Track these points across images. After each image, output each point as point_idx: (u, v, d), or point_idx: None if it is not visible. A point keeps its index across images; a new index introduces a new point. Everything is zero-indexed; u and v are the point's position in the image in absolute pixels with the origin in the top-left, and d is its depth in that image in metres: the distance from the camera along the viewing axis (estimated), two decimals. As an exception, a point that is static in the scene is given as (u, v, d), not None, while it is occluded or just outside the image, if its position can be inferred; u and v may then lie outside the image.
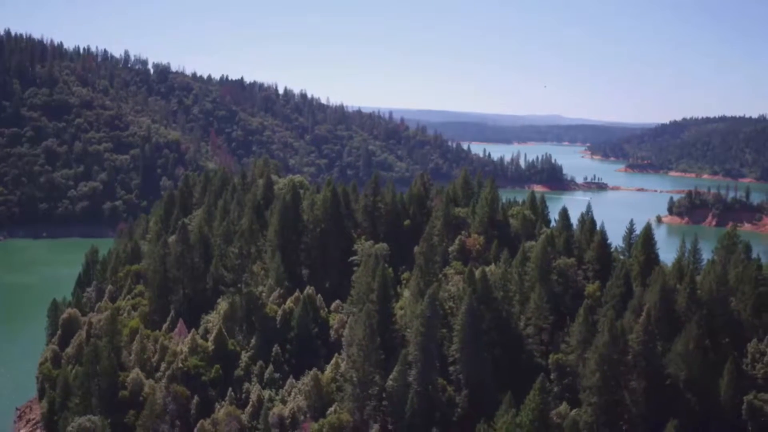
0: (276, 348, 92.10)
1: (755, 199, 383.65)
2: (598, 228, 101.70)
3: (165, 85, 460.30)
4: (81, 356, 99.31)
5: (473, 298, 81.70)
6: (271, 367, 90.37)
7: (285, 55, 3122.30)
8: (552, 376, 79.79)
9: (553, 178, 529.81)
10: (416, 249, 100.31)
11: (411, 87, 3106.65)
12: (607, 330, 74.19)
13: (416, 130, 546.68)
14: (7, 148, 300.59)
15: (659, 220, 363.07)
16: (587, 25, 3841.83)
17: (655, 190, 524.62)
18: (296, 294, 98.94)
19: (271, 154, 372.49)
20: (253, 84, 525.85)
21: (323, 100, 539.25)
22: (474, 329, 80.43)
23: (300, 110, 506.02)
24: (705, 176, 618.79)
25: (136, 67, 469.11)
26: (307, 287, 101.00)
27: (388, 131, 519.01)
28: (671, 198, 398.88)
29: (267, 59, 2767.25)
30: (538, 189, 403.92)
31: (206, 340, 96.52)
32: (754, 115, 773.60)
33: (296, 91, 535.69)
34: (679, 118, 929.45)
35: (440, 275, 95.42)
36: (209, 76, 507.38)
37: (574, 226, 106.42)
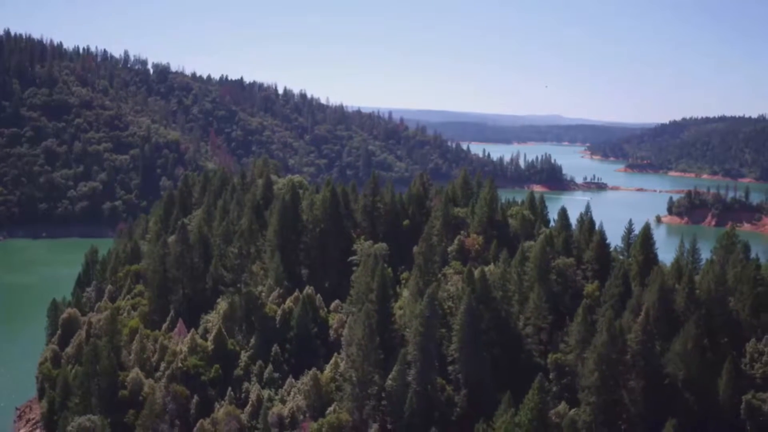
0: (275, 348, 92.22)
1: (755, 199, 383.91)
2: (597, 228, 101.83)
3: (165, 85, 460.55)
4: (81, 356, 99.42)
5: (472, 297, 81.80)
6: (270, 366, 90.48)
7: (285, 55, 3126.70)
8: (551, 376, 79.88)
9: (553, 178, 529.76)
10: (415, 249, 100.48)
11: (411, 87, 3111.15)
12: (606, 330, 74.33)
13: (416, 130, 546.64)
14: (7, 148, 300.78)
15: (659, 220, 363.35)
16: (587, 25, 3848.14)
17: (655, 190, 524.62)
18: (295, 294, 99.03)
19: (271, 154, 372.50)
20: (253, 84, 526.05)
21: (323, 100, 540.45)
22: (473, 329, 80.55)
23: (300, 110, 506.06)
24: (704, 176, 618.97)
25: (136, 67, 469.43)
26: (307, 287, 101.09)
27: (388, 131, 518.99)
28: (671, 198, 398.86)
29: (267, 59, 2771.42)
30: (538, 189, 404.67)
31: (206, 339, 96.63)
32: (754, 115, 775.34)
33: (296, 91, 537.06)
34: (678, 118, 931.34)
35: (439, 275, 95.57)
36: (209, 76, 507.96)
37: (573, 226, 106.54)
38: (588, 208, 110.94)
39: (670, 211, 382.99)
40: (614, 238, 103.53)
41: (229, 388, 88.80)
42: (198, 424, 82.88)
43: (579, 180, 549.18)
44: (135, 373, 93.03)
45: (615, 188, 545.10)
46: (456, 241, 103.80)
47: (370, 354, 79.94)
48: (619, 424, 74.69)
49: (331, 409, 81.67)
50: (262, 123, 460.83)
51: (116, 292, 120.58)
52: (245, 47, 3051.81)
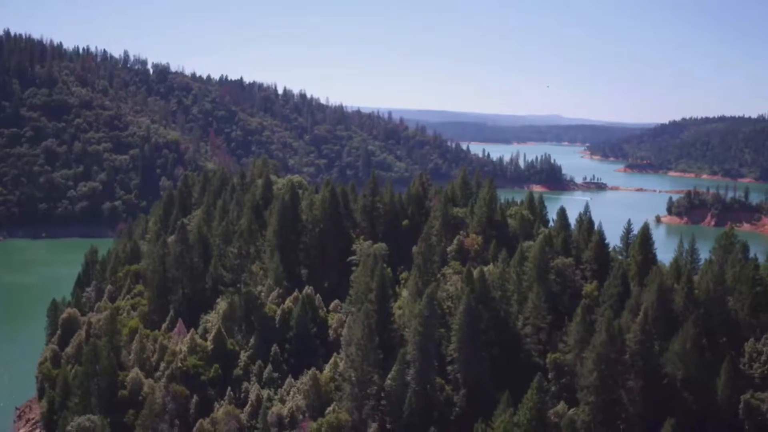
0: (275, 347, 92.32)
1: (754, 199, 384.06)
2: (596, 228, 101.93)
3: (164, 85, 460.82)
4: (80, 356, 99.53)
5: (471, 297, 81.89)
6: (269, 366, 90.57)
7: (284, 55, 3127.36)
8: (550, 376, 79.94)
9: (553, 178, 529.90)
10: (415, 249, 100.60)
11: (410, 87, 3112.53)
12: (605, 329, 74.44)
13: (415, 130, 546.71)
14: (7, 148, 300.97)
15: (658, 220, 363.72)
16: (587, 25, 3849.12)
17: (654, 190, 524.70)
18: (295, 294, 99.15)
19: (271, 154, 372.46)
20: (253, 84, 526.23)
21: (322, 101, 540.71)
22: (472, 329, 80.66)
23: (299, 110, 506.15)
24: (704, 176, 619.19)
25: (136, 67, 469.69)
26: (306, 287, 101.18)
27: (388, 131, 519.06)
28: (670, 198, 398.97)
29: (266, 59, 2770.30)
30: (537, 189, 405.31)
31: (205, 339, 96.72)
32: (754, 115, 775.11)
33: (295, 91, 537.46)
34: (678, 118, 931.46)
35: (438, 275, 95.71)
36: (209, 77, 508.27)
37: (573, 226, 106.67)
38: (587, 208, 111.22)
39: (669, 211, 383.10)
40: (613, 238, 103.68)
41: (229, 388, 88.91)
42: (197, 424, 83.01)
43: (578, 180, 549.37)
44: (135, 373, 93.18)
45: (614, 188, 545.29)
46: (455, 241, 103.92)
47: (370, 354, 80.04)
48: (618, 423, 74.79)
49: (330, 408, 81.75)
50: (261, 123, 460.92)
51: (116, 292, 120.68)
52: (245, 47, 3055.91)
